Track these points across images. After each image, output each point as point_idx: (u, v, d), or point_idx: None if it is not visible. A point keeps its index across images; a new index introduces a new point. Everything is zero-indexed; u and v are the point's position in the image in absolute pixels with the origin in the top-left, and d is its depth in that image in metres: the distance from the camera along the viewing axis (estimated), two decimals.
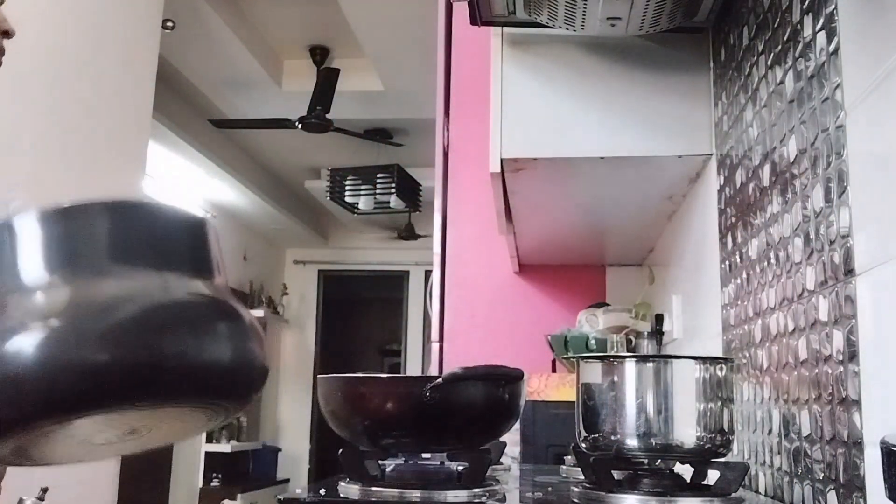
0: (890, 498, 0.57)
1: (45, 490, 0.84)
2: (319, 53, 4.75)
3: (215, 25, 4.12)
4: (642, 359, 1.09)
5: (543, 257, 2.56)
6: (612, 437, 1.06)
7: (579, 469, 1.26)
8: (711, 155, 1.60)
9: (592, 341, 2.14)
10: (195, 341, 0.54)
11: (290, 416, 7.55)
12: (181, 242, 0.59)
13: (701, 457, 1.06)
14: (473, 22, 1.54)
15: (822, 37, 1.00)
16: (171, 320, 0.54)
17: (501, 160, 1.64)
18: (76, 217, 0.55)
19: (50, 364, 0.50)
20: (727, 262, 1.47)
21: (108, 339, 0.51)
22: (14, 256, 0.54)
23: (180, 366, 0.53)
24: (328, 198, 5.90)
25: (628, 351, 2.04)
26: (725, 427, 1.05)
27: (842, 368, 0.93)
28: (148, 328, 0.52)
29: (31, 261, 0.53)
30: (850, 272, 0.91)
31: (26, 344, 0.50)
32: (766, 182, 1.24)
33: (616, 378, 1.07)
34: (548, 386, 2.00)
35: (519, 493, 1.30)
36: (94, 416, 0.53)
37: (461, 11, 2.34)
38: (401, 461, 1.15)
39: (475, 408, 1.13)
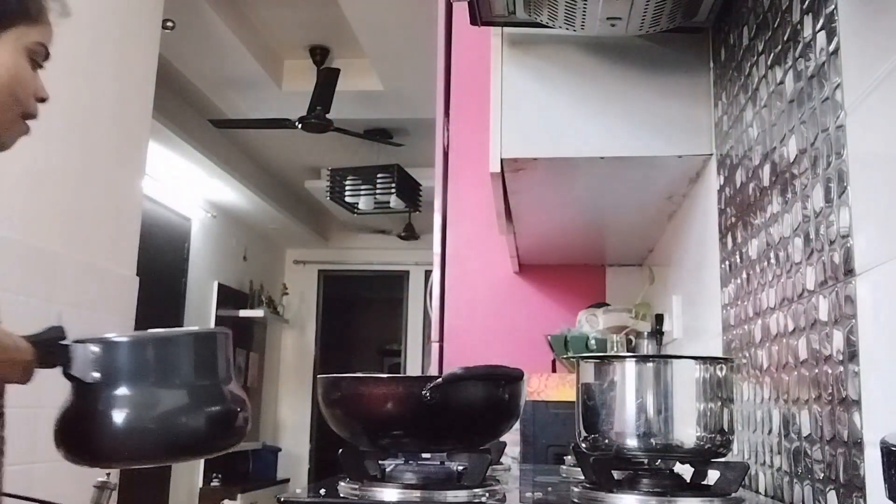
0: (890, 498, 0.57)
1: (108, 474, 1.20)
2: (319, 53, 4.75)
3: (215, 25, 4.12)
4: (642, 359, 1.09)
5: (543, 257, 2.56)
6: (612, 437, 1.06)
7: (579, 469, 1.26)
8: (711, 155, 1.60)
9: (592, 341, 2.15)
10: (191, 421, 0.99)
11: (290, 416, 7.55)
12: (195, 362, 1.01)
13: (701, 457, 1.06)
14: (473, 22, 1.54)
15: (822, 37, 1.00)
16: (182, 409, 0.99)
17: (501, 160, 1.64)
18: (139, 349, 1.00)
19: (128, 427, 0.96)
20: (727, 262, 1.47)
21: (153, 419, 0.97)
22: (109, 372, 0.96)
23: (184, 434, 0.99)
24: (328, 198, 5.90)
25: (628, 351, 2.04)
26: (725, 427, 1.05)
27: (842, 368, 0.93)
28: (172, 414, 0.98)
29: (117, 375, 0.97)
30: (850, 272, 0.91)
31: (117, 418, 0.96)
32: (766, 182, 1.24)
33: (616, 378, 1.07)
34: (548, 386, 2.00)
35: (519, 493, 1.30)
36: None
37: (461, 11, 2.34)
38: (401, 461, 1.14)
39: (475, 408, 1.13)
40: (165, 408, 0.98)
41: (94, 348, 0.95)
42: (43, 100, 1.08)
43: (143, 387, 0.97)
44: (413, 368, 7.55)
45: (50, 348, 0.95)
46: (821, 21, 1.00)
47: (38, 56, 1.08)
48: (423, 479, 1.08)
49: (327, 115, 4.70)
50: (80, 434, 0.98)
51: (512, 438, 1.85)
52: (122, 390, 0.96)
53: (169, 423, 0.98)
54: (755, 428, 1.29)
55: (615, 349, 2.00)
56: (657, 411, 1.04)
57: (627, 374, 1.06)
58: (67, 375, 0.97)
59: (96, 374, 0.95)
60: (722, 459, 1.06)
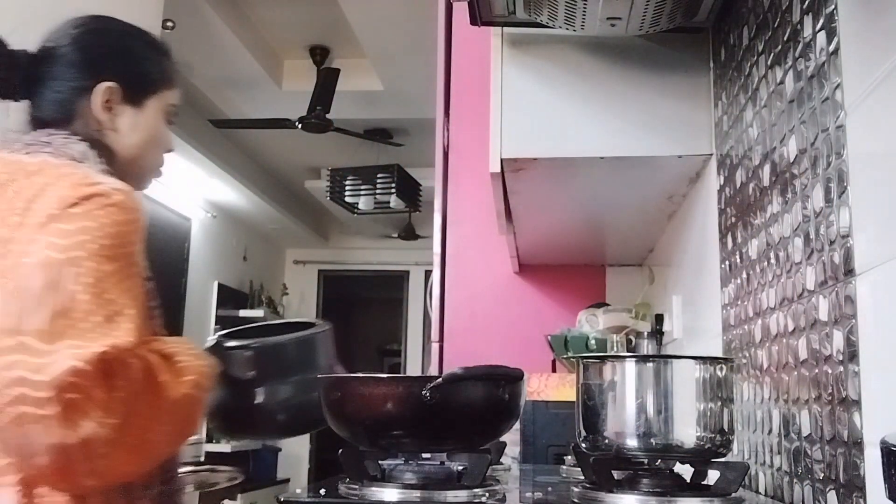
0: (890, 498, 0.57)
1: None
2: (319, 53, 4.75)
3: (215, 25, 4.12)
4: (642, 359, 1.09)
5: (543, 257, 2.56)
6: (612, 437, 1.06)
7: (579, 469, 1.26)
8: (711, 155, 1.60)
9: (592, 341, 2.14)
10: (301, 405, 1.25)
11: None
12: (302, 359, 1.29)
13: (701, 457, 1.06)
14: (473, 22, 1.54)
15: (822, 37, 1.00)
16: (294, 396, 1.25)
17: (501, 160, 1.64)
18: (274, 351, 1.27)
19: (263, 410, 1.24)
20: (727, 262, 1.47)
21: (279, 407, 1.26)
22: (257, 370, 1.23)
23: (296, 415, 1.26)
24: (328, 198, 5.90)
25: (628, 351, 2.04)
26: (725, 427, 1.05)
27: (842, 368, 0.93)
28: (289, 400, 1.25)
29: (260, 373, 1.23)
30: (850, 272, 0.91)
31: (260, 405, 1.23)
32: (766, 182, 1.24)
33: (616, 378, 1.07)
34: (548, 386, 2.00)
35: (519, 493, 1.30)
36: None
37: (461, 11, 2.34)
38: (401, 461, 1.14)
39: (475, 408, 1.13)
40: (285, 395, 1.24)
41: (248, 353, 1.23)
42: (169, 150, 1.29)
43: (273, 380, 1.24)
44: (413, 368, 7.54)
45: (221, 358, 1.18)
46: (821, 21, 1.00)
47: (170, 115, 1.27)
48: (423, 479, 1.08)
49: (327, 115, 4.70)
50: (235, 417, 1.25)
51: (512, 438, 1.85)
52: (262, 383, 1.23)
53: (287, 406, 1.25)
54: (755, 428, 1.29)
55: (615, 349, 2.00)
56: (657, 411, 1.04)
57: (627, 374, 1.06)
58: (224, 374, 1.17)
59: (251, 373, 1.22)
60: (722, 459, 1.06)
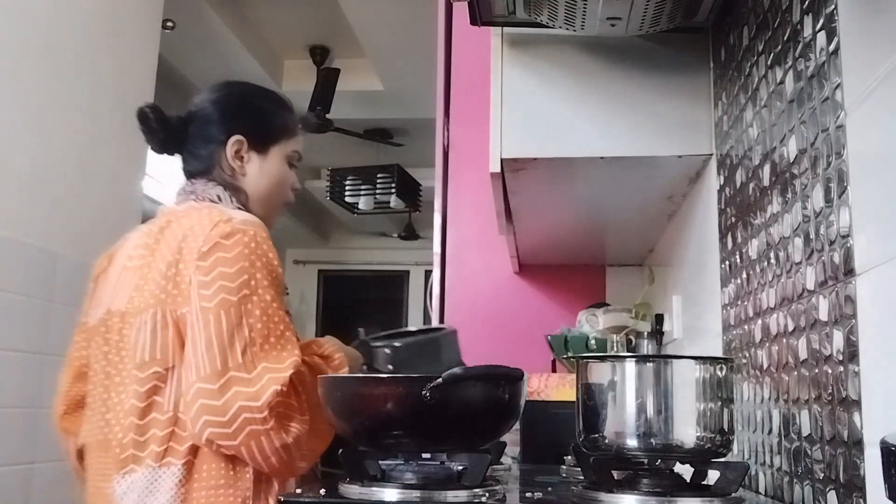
0: (890, 498, 0.57)
1: None
2: (319, 53, 4.76)
3: (215, 25, 4.12)
4: (642, 359, 1.09)
5: (543, 257, 2.56)
6: (612, 437, 1.06)
7: (579, 469, 1.26)
8: (711, 155, 1.60)
9: (592, 341, 2.14)
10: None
11: None
12: (431, 354, 1.53)
13: (701, 457, 1.06)
14: (473, 22, 1.54)
15: (822, 37, 1.00)
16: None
17: (501, 160, 1.64)
18: (407, 350, 1.49)
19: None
20: (727, 262, 1.47)
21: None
22: (394, 365, 1.44)
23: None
24: (328, 198, 5.90)
25: (628, 351, 2.04)
26: (725, 427, 1.05)
27: (842, 368, 0.93)
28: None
29: (396, 368, 1.44)
30: (850, 272, 0.91)
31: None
32: (766, 182, 1.24)
33: (616, 378, 1.07)
34: (548, 386, 2.00)
35: (519, 493, 1.30)
36: None
37: (461, 11, 2.34)
38: (401, 461, 1.14)
39: (475, 408, 1.13)
40: None
41: (387, 350, 1.47)
42: (296, 189, 1.51)
43: (408, 373, 1.35)
44: None
45: (365, 353, 1.40)
46: (821, 21, 1.00)
47: (293, 160, 1.49)
48: (423, 479, 1.08)
49: (327, 115, 4.70)
50: None
51: (512, 438, 1.85)
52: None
53: None
54: (755, 428, 1.29)
55: (615, 349, 2.00)
56: (657, 411, 1.04)
57: (627, 374, 1.06)
58: (369, 367, 1.43)
59: (391, 367, 1.44)
60: (722, 459, 1.06)
